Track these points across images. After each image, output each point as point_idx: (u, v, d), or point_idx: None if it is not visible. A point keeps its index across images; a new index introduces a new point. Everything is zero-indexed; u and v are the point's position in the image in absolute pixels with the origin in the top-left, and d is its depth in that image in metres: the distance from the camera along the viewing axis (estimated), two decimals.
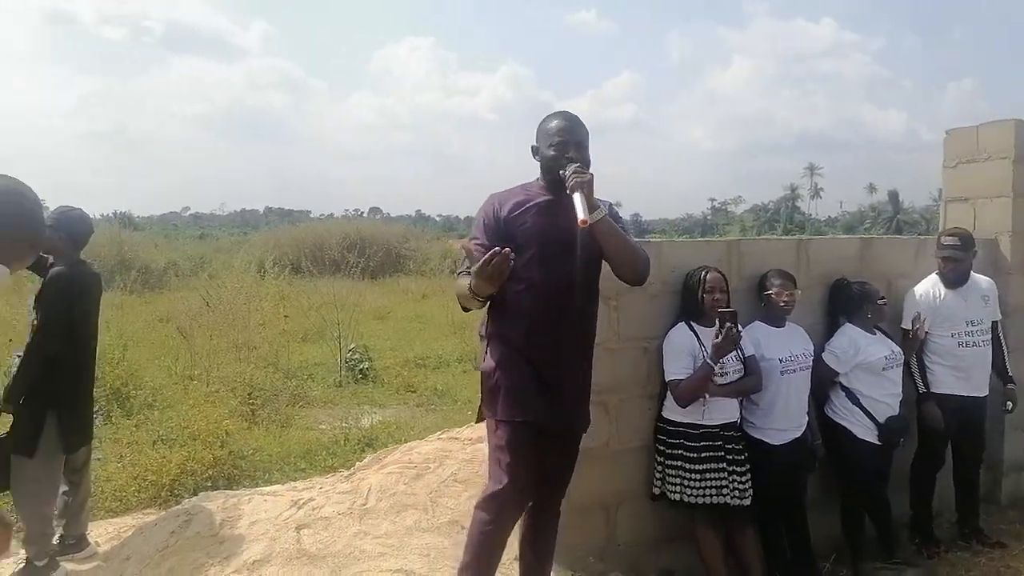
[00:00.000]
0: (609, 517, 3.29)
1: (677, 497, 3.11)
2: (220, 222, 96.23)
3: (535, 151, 2.61)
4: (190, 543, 3.35)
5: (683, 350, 3.10)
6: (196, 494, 4.28)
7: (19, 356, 3.47)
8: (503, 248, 2.17)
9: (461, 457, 3.78)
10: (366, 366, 8.78)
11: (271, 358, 8.71)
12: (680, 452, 3.12)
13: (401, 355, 9.85)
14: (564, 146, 2.50)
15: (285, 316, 9.83)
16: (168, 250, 23.47)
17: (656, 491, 3.22)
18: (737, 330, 2.93)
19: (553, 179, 2.50)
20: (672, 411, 3.16)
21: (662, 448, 3.20)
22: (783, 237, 4.12)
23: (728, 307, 3.04)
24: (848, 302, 3.60)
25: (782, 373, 3.26)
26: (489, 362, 2.53)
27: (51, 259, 3.51)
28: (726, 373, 3.09)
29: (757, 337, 3.28)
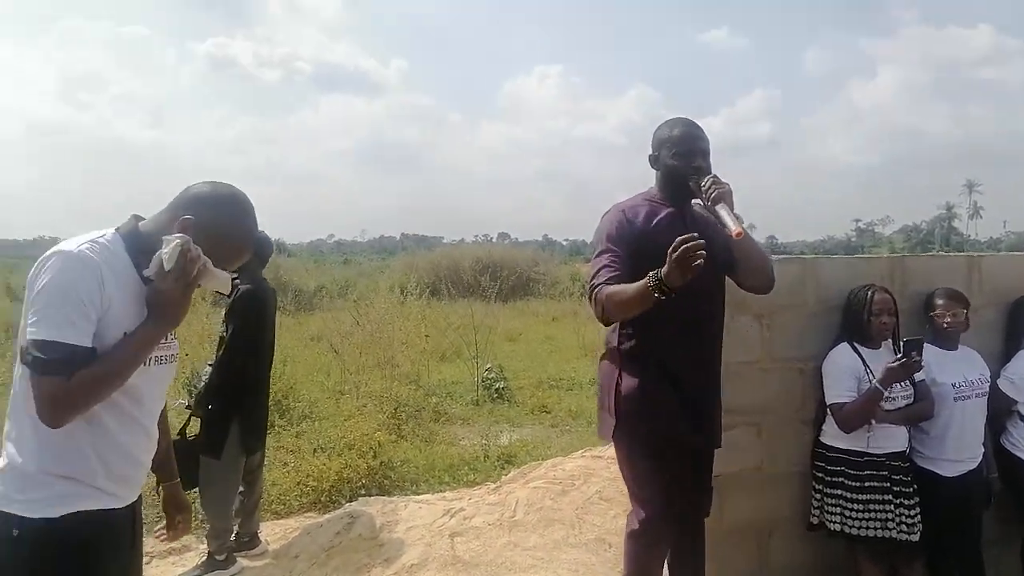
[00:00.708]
0: (761, 544, 3.18)
1: (837, 528, 2.96)
2: (360, 248, 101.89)
3: (654, 160, 2.53)
4: (353, 544, 3.57)
5: (847, 372, 2.97)
6: (352, 500, 4.56)
7: (209, 366, 3.87)
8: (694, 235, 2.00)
9: (605, 475, 3.80)
10: (501, 386, 8.97)
11: (413, 375, 9.11)
12: (841, 480, 2.98)
13: (534, 376, 9.98)
14: (690, 155, 2.40)
15: (426, 336, 10.24)
16: (317, 274, 25.13)
17: (814, 520, 3.09)
18: (919, 360, 2.80)
19: (676, 189, 2.44)
20: (832, 436, 3.03)
21: (821, 475, 3.06)
22: (953, 254, 3.86)
23: (916, 335, 2.91)
24: None
25: (955, 399, 3.05)
26: (629, 381, 2.45)
27: (237, 277, 3.90)
28: (894, 398, 2.93)
29: (928, 360, 3.08)
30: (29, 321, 1.48)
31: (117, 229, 1.64)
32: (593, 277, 2.33)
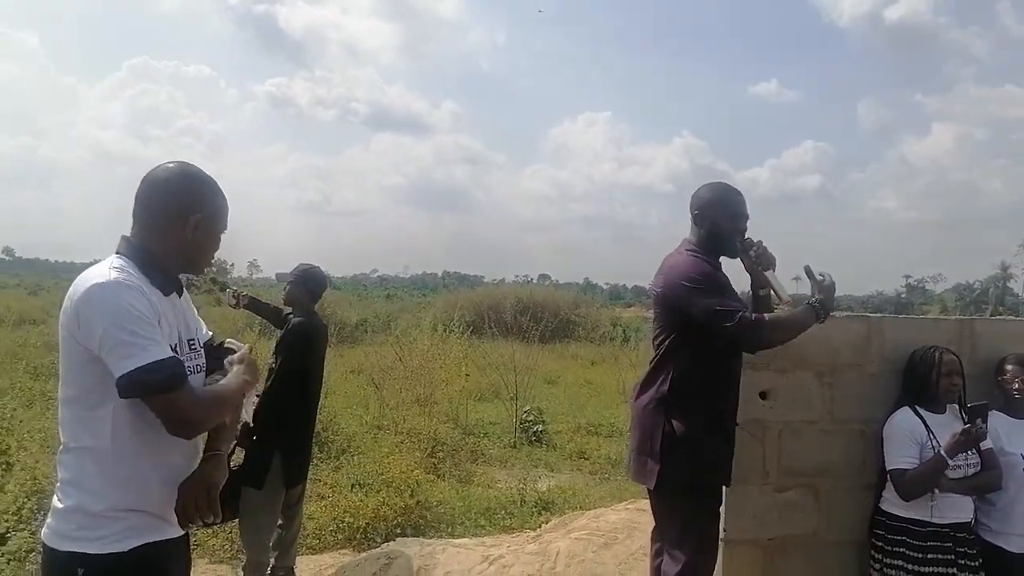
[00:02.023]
0: None
1: None
2: (402, 284, 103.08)
3: (703, 219, 2.63)
4: None
5: (909, 437, 2.84)
6: (388, 539, 4.50)
7: (257, 397, 3.90)
8: None
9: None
10: (539, 429, 8.86)
11: (451, 414, 9.07)
12: (903, 551, 2.83)
13: (573, 420, 9.86)
14: (738, 218, 2.61)
15: (466, 375, 10.22)
16: (360, 308, 25.40)
17: None
18: (984, 428, 2.70)
19: (722, 248, 2.62)
20: (893, 504, 2.88)
21: (881, 544, 2.91)
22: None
23: (981, 400, 2.79)
24: None
25: None
26: (695, 428, 2.46)
27: (289, 310, 3.95)
28: (959, 466, 2.79)
29: (996, 428, 2.93)
30: (115, 356, 1.48)
31: (119, 253, 1.65)
32: (725, 311, 2.42)
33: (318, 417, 7.20)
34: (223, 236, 1.79)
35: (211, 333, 1.93)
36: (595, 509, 4.44)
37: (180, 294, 1.77)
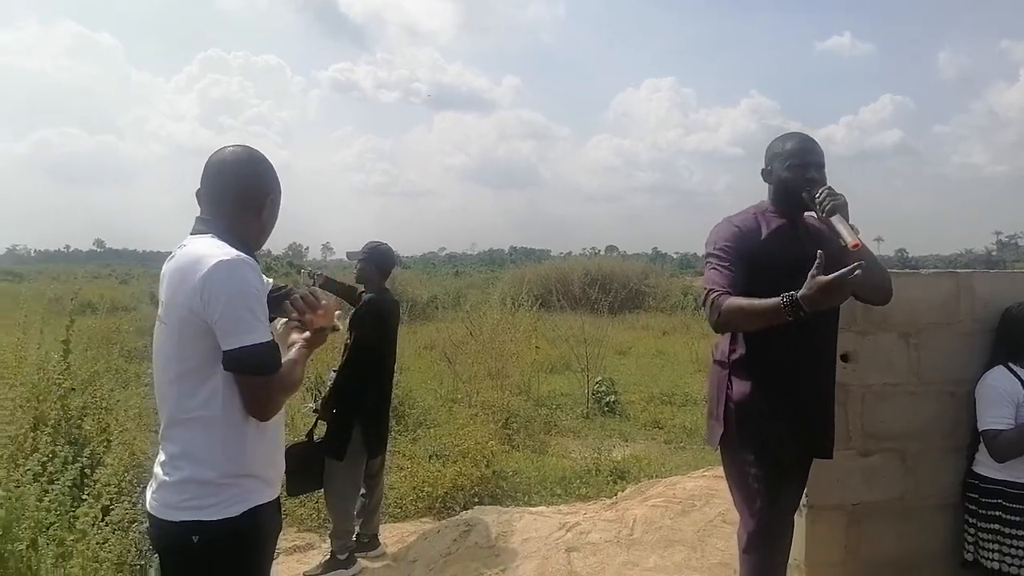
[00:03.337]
0: None
1: (995, 566, 2.70)
2: (471, 260, 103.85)
3: (767, 174, 2.53)
4: (469, 552, 3.60)
5: (1004, 396, 2.71)
6: (466, 508, 4.60)
7: (334, 372, 4.04)
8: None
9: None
10: (612, 399, 8.83)
11: (523, 386, 9.14)
12: (998, 515, 2.72)
13: (646, 390, 9.78)
14: (804, 168, 2.41)
15: (536, 347, 10.27)
16: (430, 285, 25.78)
17: (968, 557, 2.82)
18: None
19: (790, 201, 2.44)
20: (987, 466, 2.76)
21: (974, 508, 2.80)
22: None
23: None
24: None
25: None
26: (739, 387, 2.43)
27: (362, 288, 4.05)
28: None
29: None
30: (228, 330, 1.56)
31: (212, 234, 1.71)
32: (709, 285, 2.36)
33: (394, 392, 7.45)
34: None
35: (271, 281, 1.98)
36: (671, 477, 4.42)
37: None
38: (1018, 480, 2.69)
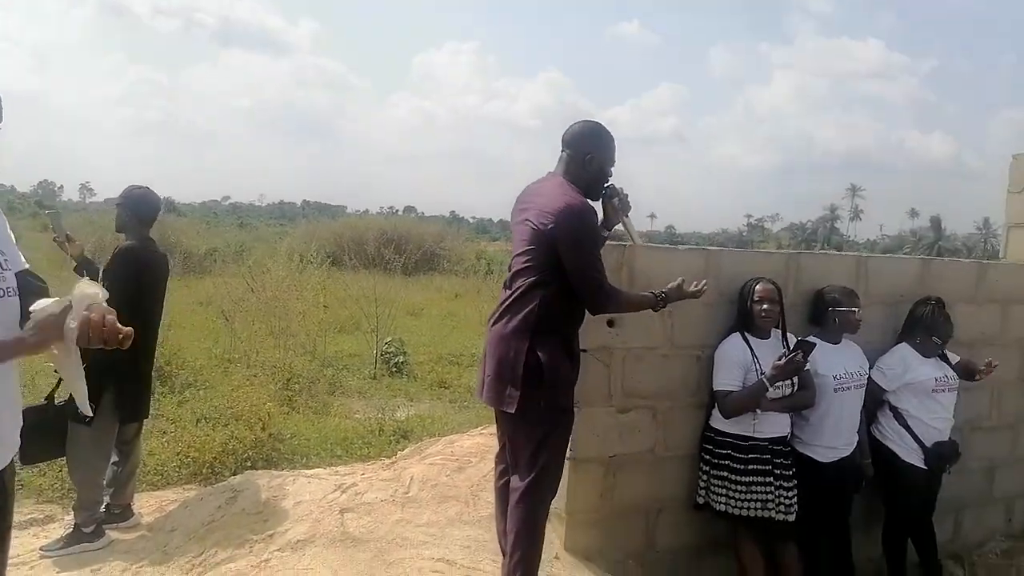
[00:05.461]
0: (649, 523, 3.27)
1: (722, 508, 3.08)
2: (258, 213, 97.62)
3: (588, 160, 2.65)
4: (235, 519, 3.41)
5: (735, 361, 3.08)
6: (236, 473, 4.35)
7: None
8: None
9: None
10: (401, 360, 8.84)
11: (309, 346, 8.83)
12: (727, 463, 3.10)
13: (435, 351, 9.91)
14: (611, 167, 2.73)
15: (325, 306, 9.94)
16: (209, 237, 23.88)
17: (700, 500, 3.20)
18: (805, 362, 2.98)
19: (595, 190, 2.70)
20: (721, 421, 3.13)
21: (708, 458, 3.17)
22: (843, 253, 4.09)
23: (809, 339, 3.08)
24: (914, 322, 3.52)
25: (835, 390, 3.22)
26: (556, 356, 2.53)
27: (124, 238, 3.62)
28: (780, 386, 3.06)
29: (813, 353, 3.24)
30: None
31: None
32: (600, 275, 2.57)
33: (161, 350, 6.82)
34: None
35: (27, 265, 1.77)
36: (450, 435, 4.51)
37: None
38: (744, 433, 3.08)
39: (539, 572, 2.62)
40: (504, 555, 2.70)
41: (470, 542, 3.08)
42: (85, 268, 3.61)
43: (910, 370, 3.43)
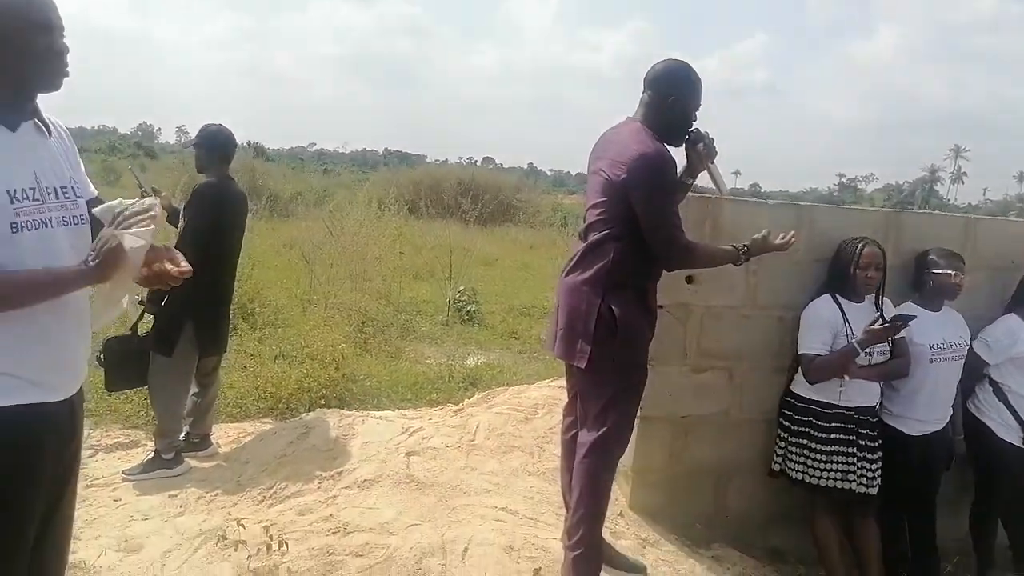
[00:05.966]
0: (720, 487, 3.17)
1: (799, 477, 2.94)
2: (341, 159, 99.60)
3: (674, 103, 2.45)
4: (306, 455, 3.49)
5: (824, 324, 2.89)
6: (310, 410, 4.47)
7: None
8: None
9: None
10: (473, 309, 8.88)
11: (384, 291, 8.97)
12: (807, 431, 2.94)
13: (507, 302, 9.91)
14: (698, 110, 2.53)
15: (401, 253, 10.06)
16: (295, 181, 24.45)
17: (776, 467, 3.06)
18: (901, 329, 2.80)
19: (678, 135, 2.49)
20: (803, 387, 2.97)
21: (787, 424, 3.02)
22: (950, 214, 3.77)
23: (907, 313, 2.90)
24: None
25: (931, 360, 3.00)
26: (630, 311, 2.42)
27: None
28: (871, 353, 2.86)
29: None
30: None
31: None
32: (676, 229, 2.39)
33: (245, 288, 7.05)
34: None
35: (97, 192, 1.75)
36: (519, 386, 4.49)
37: (48, 134, 1.58)
38: (828, 400, 2.91)
39: (603, 529, 2.57)
40: (568, 509, 2.66)
41: (533, 493, 3.06)
42: (171, 218, 3.69)
43: (1018, 343, 3.16)
